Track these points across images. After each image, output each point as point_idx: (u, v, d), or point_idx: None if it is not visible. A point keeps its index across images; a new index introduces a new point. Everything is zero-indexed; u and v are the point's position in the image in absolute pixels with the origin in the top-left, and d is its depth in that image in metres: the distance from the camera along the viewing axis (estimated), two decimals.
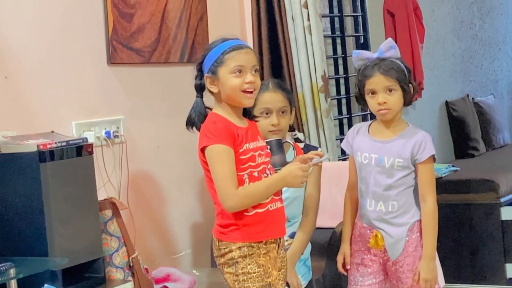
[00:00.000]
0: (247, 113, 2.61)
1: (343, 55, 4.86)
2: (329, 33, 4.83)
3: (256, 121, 2.66)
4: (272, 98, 3.02)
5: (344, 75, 4.86)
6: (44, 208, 2.68)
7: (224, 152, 2.44)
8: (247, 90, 2.49)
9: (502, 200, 4.69)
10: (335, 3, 4.85)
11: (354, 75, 3.21)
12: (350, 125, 4.72)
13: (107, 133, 3.34)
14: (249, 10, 4.13)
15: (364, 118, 4.89)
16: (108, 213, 3.07)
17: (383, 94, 2.82)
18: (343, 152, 4.15)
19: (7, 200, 2.74)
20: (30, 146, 2.71)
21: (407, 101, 2.87)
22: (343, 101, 4.88)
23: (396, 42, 2.98)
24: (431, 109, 5.99)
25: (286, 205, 2.68)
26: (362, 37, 5.02)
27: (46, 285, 2.56)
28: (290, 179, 2.50)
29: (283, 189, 2.68)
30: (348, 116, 4.84)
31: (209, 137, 2.45)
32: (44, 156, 2.69)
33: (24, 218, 2.72)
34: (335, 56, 4.85)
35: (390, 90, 2.82)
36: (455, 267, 4.68)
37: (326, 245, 3.36)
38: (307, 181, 2.97)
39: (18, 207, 2.73)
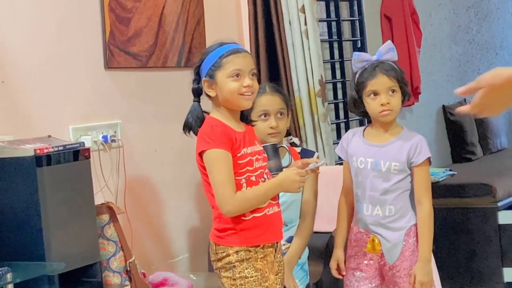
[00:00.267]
0: (245, 118, 2.61)
1: (340, 60, 4.87)
2: (326, 37, 4.84)
3: (253, 125, 2.66)
4: (270, 100, 3.03)
5: (341, 80, 4.87)
6: (41, 213, 2.67)
7: (222, 157, 2.44)
8: (245, 93, 2.49)
9: (499, 204, 4.69)
10: (332, 8, 4.86)
11: None
12: (347, 130, 4.71)
13: (104, 137, 3.34)
14: (246, 14, 4.13)
15: (361, 122, 4.89)
16: (105, 217, 3.06)
17: (385, 95, 2.82)
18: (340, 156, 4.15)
19: (3, 204, 2.74)
20: (27, 150, 2.70)
21: (402, 105, 2.88)
22: (340, 105, 4.89)
23: None
24: (428, 114, 5.99)
25: (283, 209, 2.69)
26: (359, 41, 5.02)
27: None
28: (288, 184, 2.51)
29: (280, 194, 2.68)
30: (345, 120, 4.85)
31: (207, 142, 2.45)
32: (41, 160, 2.69)
33: (21, 223, 2.71)
34: (332, 60, 4.86)
35: (392, 91, 2.83)
36: (453, 271, 4.68)
37: (324, 250, 3.36)
38: (304, 186, 2.97)
39: (15, 212, 2.72)
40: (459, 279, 4.70)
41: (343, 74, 4.88)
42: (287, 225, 3.03)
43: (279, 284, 2.60)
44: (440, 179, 4.92)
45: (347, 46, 4.97)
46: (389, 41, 2.94)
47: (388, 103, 2.81)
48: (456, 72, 6.49)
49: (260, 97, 2.97)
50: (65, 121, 3.21)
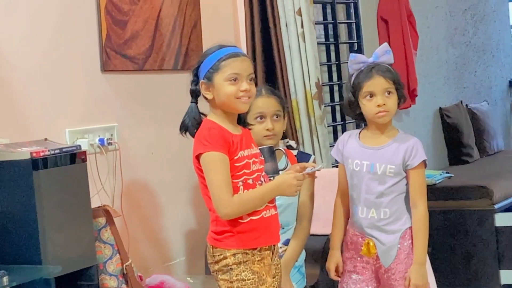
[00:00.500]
0: (241, 121, 2.61)
1: (337, 62, 4.87)
2: (323, 40, 4.84)
3: (250, 129, 2.66)
4: (266, 103, 3.02)
5: (338, 82, 4.87)
6: (38, 216, 2.67)
7: (219, 160, 2.44)
8: (242, 98, 2.49)
9: (496, 206, 4.69)
10: (328, 10, 4.86)
11: None
12: (344, 132, 4.71)
13: (101, 140, 3.33)
14: (242, 17, 4.13)
15: (358, 125, 4.89)
16: (102, 220, 3.06)
17: (382, 96, 2.82)
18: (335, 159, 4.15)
19: (0, 208, 2.73)
20: (23, 153, 2.70)
21: (398, 107, 2.88)
22: (337, 108, 4.88)
23: None
24: (425, 116, 6.00)
25: (279, 212, 2.68)
26: (356, 44, 5.02)
27: None
28: (285, 187, 2.51)
29: (277, 197, 2.67)
30: (342, 123, 4.85)
31: (205, 144, 2.45)
32: (37, 163, 2.69)
33: (18, 226, 2.71)
34: (329, 63, 4.86)
35: (388, 93, 2.83)
36: (449, 274, 4.68)
37: (320, 252, 3.36)
38: (301, 191, 2.98)
39: (11, 215, 2.72)
40: (456, 282, 4.70)
41: (339, 77, 4.88)
42: (283, 228, 3.02)
43: (276, 287, 2.60)
44: (437, 182, 4.92)
45: (343, 48, 4.97)
46: (386, 44, 2.94)
47: (384, 104, 2.81)
48: (453, 75, 6.50)
49: (256, 100, 2.97)
50: (61, 124, 3.21)
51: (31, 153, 2.69)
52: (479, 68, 6.93)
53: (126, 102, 3.55)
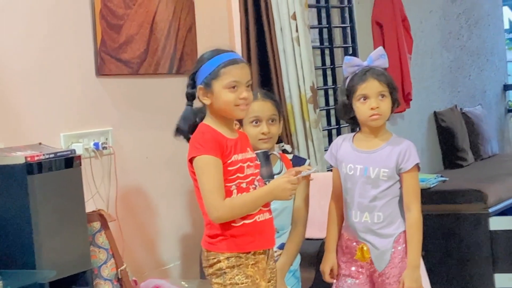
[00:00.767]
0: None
1: (331, 66, 4.87)
2: (318, 44, 4.84)
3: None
4: (262, 106, 3.03)
5: (333, 86, 4.87)
6: (32, 220, 2.67)
7: (211, 163, 2.44)
8: (241, 105, 2.50)
9: (490, 210, 4.69)
10: (323, 14, 4.87)
11: None
12: (338, 136, 4.72)
13: (96, 144, 3.33)
14: (237, 21, 4.14)
15: (353, 129, 4.88)
16: (97, 225, 3.06)
17: (375, 99, 2.82)
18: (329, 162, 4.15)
19: None
20: (18, 158, 2.70)
21: (391, 112, 2.88)
22: (332, 111, 4.89)
23: None
24: (419, 120, 6.01)
25: (274, 216, 2.69)
26: (350, 48, 5.03)
27: None
28: (278, 192, 2.51)
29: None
30: (337, 126, 4.85)
31: (198, 148, 2.46)
32: (32, 168, 2.69)
33: (12, 231, 2.70)
34: (323, 67, 4.86)
35: (382, 96, 2.83)
36: (444, 277, 4.68)
37: (315, 256, 3.36)
38: (296, 196, 2.99)
39: (5, 220, 2.71)
40: (450, 286, 4.70)
41: (334, 81, 4.88)
42: (278, 232, 3.02)
43: None
44: (432, 185, 4.92)
45: (338, 52, 4.98)
46: (380, 48, 2.95)
47: (377, 107, 2.82)
48: (448, 79, 6.51)
49: (252, 103, 2.97)
50: (56, 128, 3.21)
51: (25, 158, 2.69)
52: (474, 72, 6.95)
53: (121, 106, 3.54)
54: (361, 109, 2.84)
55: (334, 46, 4.89)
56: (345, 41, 5.03)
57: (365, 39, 5.14)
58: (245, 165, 2.52)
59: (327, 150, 4.34)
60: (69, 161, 2.83)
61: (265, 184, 2.58)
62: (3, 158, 2.73)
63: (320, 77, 4.83)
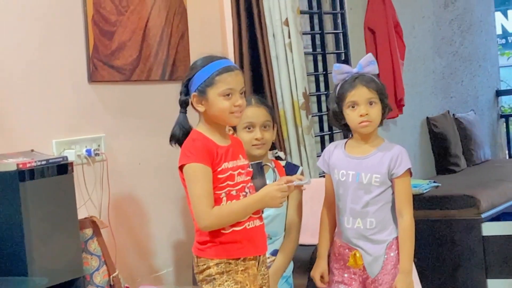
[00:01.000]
0: None
1: (324, 72, 4.88)
2: (310, 50, 4.85)
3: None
4: (255, 112, 3.03)
5: (325, 92, 4.88)
6: (24, 227, 2.66)
7: (200, 171, 2.45)
8: (235, 112, 2.50)
9: (483, 216, 4.70)
10: (316, 21, 4.88)
11: None
12: (331, 142, 4.72)
13: (88, 151, 3.33)
14: (230, 27, 4.14)
15: (346, 135, 4.89)
16: (89, 231, 3.05)
17: (365, 106, 2.83)
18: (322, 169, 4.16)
19: None
20: (10, 165, 2.69)
21: (382, 118, 2.88)
22: (324, 118, 4.89)
23: (377, 59, 3.00)
24: (412, 125, 6.02)
25: (267, 223, 2.69)
26: (343, 54, 5.03)
27: None
28: (268, 200, 2.52)
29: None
30: (329, 133, 4.85)
31: (188, 156, 2.46)
32: (24, 175, 2.68)
33: (3, 238, 2.69)
34: (316, 73, 4.87)
35: (371, 103, 2.84)
36: (437, 283, 4.68)
37: (308, 263, 3.35)
38: (289, 204, 2.99)
39: None
40: None
41: (327, 87, 4.89)
42: (271, 238, 3.02)
43: None
44: (424, 191, 4.93)
45: (331, 58, 4.99)
46: (370, 54, 2.95)
47: (366, 114, 2.82)
48: (440, 84, 6.53)
49: (245, 109, 2.98)
50: (48, 135, 3.20)
51: (17, 164, 2.68)
52: (466, 78, 6.97)
53: (114, 113, 3.54)
54: (351, 116, 2.85)
55: (326, 52, 4.89)
56: (337, 47, 5.04)
57: (358, 45, 5.15)
58: (236, 172, 2.52)
59: (319, 156, 4.37)
60: (61, 168, 2.83)
61: None
62: None
63: (313, 83, 4.84)
